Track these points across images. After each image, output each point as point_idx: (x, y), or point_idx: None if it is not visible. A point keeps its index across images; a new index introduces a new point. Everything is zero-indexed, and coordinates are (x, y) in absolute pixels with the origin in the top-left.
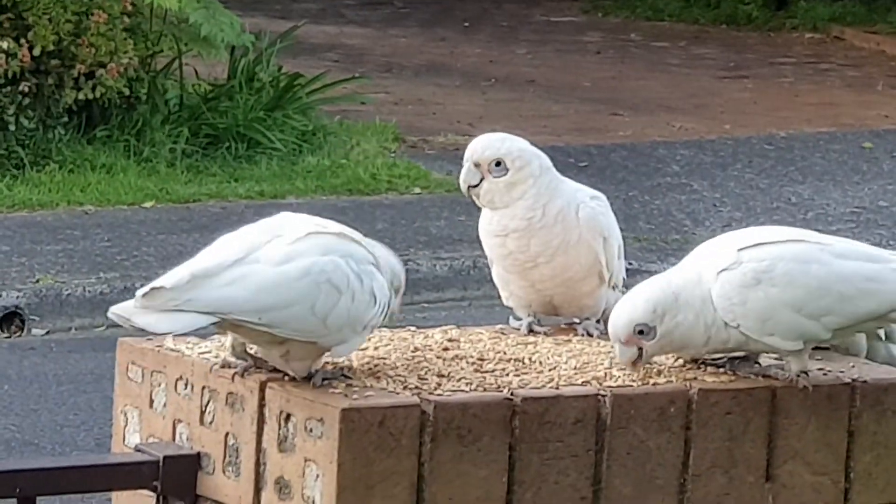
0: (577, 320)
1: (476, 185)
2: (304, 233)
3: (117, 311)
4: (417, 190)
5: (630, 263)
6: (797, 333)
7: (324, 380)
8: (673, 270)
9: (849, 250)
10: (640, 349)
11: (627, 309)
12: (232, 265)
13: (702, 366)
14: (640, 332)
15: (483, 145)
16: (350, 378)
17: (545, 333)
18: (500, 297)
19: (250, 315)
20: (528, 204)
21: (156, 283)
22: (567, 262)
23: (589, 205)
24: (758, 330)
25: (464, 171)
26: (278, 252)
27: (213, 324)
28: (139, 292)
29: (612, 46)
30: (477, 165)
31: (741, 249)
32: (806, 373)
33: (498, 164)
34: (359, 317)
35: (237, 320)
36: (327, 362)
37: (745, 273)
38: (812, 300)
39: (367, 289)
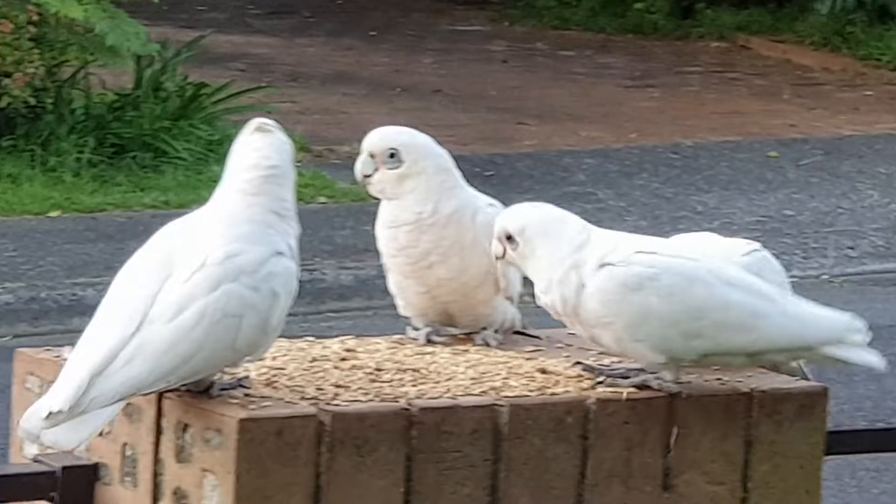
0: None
1: (370, 176)
2: (196, 265)
3: (26, 429)
4: (323, 199)
5: None
6: (664, 348)
7: (221, 390)
8: (597, 230)
9: (741, 281)
10: (376, 170)
11: (511, 214)
12: (128, 340)
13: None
14: (508, 238)
15: (379, 136)
16: (248, 388)
17: (443, 344)
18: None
19: (158, 384)
20: (419, 198)
21: (55, 404)
22: (462, 265)
23: (486, 210)
24: (628, 333)
25: (359, 160)
26: (170, 305)
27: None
28: (42, 415)
29: (518, 56)
30: (372, 156)
31: (637, 252)
32: (679, 382)
33: (392, 155)
34: (267, 322)
35: (148, 393)
36: (225, 373)
37: (630, 275)
38: (687, 319)
39: (267, 294)
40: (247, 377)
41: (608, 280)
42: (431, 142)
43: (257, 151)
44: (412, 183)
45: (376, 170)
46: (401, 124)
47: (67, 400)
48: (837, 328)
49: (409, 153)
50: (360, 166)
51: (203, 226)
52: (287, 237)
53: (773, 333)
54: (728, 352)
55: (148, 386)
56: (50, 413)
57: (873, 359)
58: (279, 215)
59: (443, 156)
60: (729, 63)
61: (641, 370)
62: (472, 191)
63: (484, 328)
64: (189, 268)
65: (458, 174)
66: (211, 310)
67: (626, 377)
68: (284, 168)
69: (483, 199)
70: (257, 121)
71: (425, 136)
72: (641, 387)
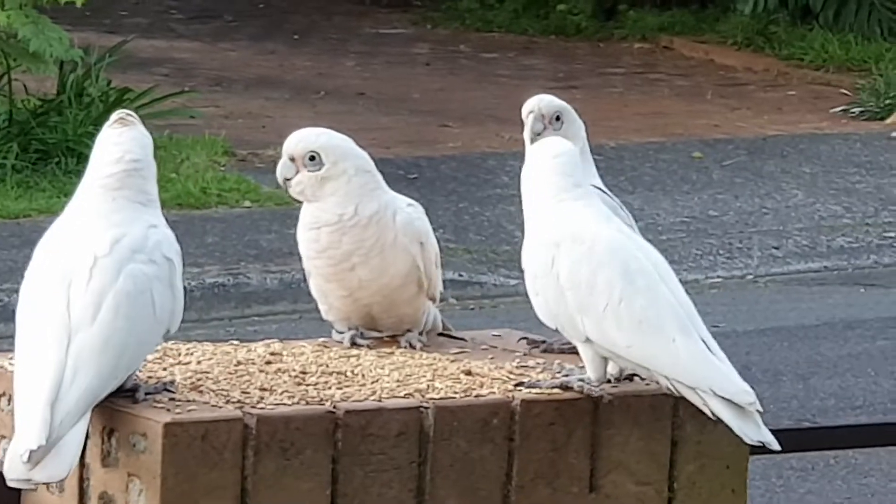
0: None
1: (290, 179)
2: (90, 263)
3: (14, 479)
4: (248, 203)
5: (460, 275)
6: (571, 325)
7: (147, 394)
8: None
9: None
10: (297, 173)
11: (314, 133)
12: (64, 358)
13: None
14: (311, 159)
15: (298, 138)
16: (173, 392)
17: (368, 346)
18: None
19: (112, 383)
20: (340, 200)
21: (31, 444)
22: (384, 265)
23: (405, 210)
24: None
25: (280, 164)
26: (85, 308)
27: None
28: (23, 458)
29: (441, 58)
30: (292, 159)
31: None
32: (608, 381)
33: (312, 157)
34: (173, 286)
35: (108, 396)
36: (150, 376)
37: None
38: (580, 293)
39: (162, 262)
40: (172, 381)
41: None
42: (352, 143)
43: (118, 146)
44: (333, 185)
45: (297, 172)
46: (324, 127)
47: (40, 436)
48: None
49: (329, 155)
50: (281, 170)
51: (78, 227)
52: (155, 218)
53: (670, 356)
54: (582, 340)
55: (103, 388)
56: (30, 453)
57: (765, 435)
58: (143, 206)
59: (363, 157)
60: (652, 64)
61: (571, 368)
62: (392, 193)
63: (408, 330)
64: (85, 268)
65: (378, 176)
66: (123, 295)
67: (554, 374)
68: (146, 161)
69: (403, 200)
70: (119, 112)
71: (345, 138)
72: (564, 388)
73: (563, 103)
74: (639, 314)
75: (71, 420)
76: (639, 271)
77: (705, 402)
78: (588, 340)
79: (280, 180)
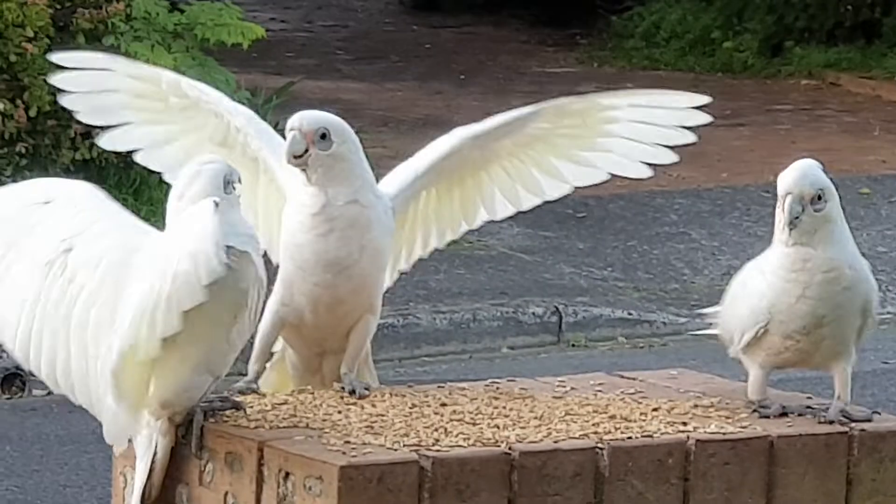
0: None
1: (301, 156)
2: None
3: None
4: None
5: (629, 313)
6: None
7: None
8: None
9: None
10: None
11: (318, 114)
12: None
13: (694, 417)
14: (322, 137)
15: (312, 116)
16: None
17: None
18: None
19: None
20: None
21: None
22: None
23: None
24: None
25: (290, 139)
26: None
27: None
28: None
29: None
30: (303, 136)
31: None
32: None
33: (323, 135)
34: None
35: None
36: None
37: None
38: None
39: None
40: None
41: None
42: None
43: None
44: (342, 166)
45: (307, 150)
46: None
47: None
48: None
49: (337, 134)
50: (292, 146)
51: None
52: None
53: None
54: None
55: None
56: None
57: None
58: None
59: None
60: (818, 100)
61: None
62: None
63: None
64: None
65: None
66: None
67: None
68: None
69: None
70: None
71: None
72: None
73: (333, 118)
74: None
75: None
76: None
77: None
78: None
79: (288, 158)
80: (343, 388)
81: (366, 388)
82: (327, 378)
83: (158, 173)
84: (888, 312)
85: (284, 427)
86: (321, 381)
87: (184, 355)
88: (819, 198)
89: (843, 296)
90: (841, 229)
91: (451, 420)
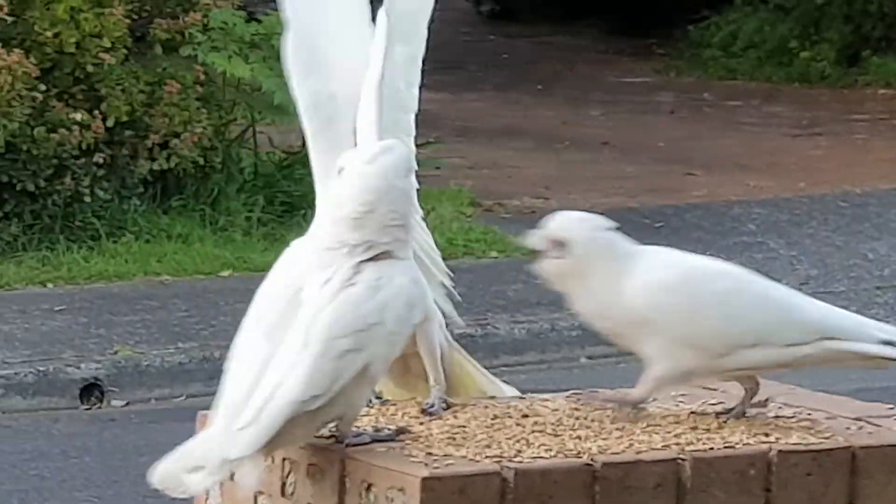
0: None
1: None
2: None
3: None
4: (494, 254)
5: None
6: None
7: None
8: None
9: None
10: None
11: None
12: None
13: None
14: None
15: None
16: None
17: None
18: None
19: None
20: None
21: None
22: None
23: None
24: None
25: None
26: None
27: None
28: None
29: (685, 106)
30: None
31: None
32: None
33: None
34: None
35: None
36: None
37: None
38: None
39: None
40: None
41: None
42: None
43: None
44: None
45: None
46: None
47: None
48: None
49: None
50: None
51: None
52: None
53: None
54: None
55: None
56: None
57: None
58: None
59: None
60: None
61: None
62: None
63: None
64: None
65: None
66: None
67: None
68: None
69: None
70: None
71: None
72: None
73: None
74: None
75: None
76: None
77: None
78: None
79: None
80: (424, 404)
81: (444, 405)
82: (418, 377)
83: (236, 184)
84: None
85: None
86: (414, 385)
87: None
88: None
89: None
90: None
91: (533, 431)
